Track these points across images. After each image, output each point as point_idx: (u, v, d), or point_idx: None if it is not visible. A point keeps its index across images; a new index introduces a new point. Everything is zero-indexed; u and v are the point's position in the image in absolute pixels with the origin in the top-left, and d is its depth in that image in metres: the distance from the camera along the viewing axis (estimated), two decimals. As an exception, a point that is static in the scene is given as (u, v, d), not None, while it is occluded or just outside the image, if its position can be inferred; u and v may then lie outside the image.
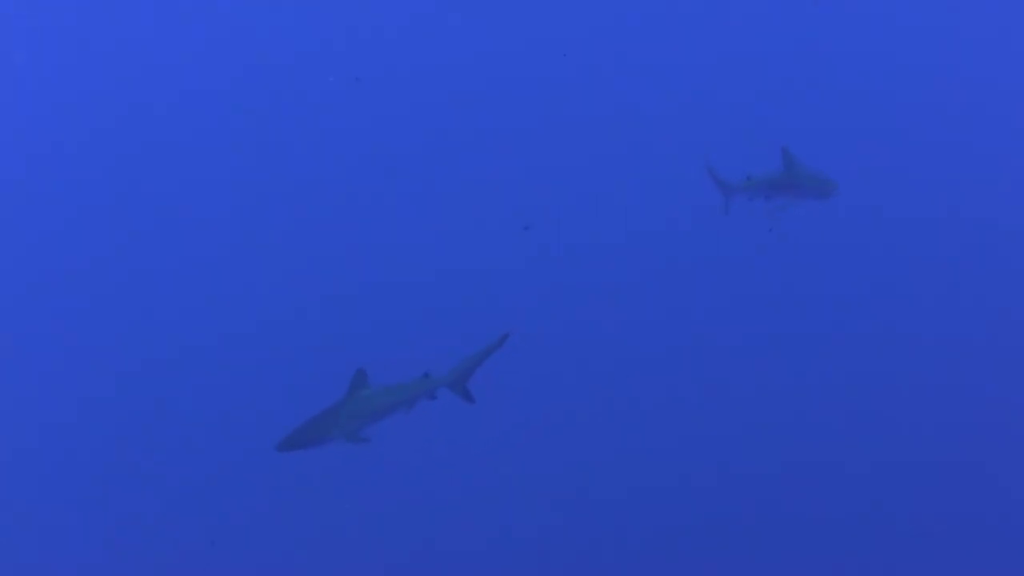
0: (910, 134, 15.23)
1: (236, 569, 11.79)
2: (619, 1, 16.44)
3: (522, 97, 16.07)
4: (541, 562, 11.57)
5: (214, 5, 16.94)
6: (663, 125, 15.35)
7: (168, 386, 13.19)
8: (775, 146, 10.15)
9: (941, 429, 12.32)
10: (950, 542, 11.41)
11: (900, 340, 13.13)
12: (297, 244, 14.71)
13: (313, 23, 17.18)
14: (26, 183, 15.51)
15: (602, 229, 14.42)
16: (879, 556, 11.53)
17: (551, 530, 11.76)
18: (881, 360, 12.98)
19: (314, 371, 12.84)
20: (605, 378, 12.77)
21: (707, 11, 16.35)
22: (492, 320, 9.31)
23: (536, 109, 15.93)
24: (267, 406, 12.77)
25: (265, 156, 15.88)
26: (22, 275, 14.50)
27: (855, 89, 15.82)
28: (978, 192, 14.65)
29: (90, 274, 14.41)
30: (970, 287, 13.66)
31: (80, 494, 12.37)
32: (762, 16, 16.22)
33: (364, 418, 9.00)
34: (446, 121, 15.78)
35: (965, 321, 13.33)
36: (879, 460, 12.12)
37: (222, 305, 14.01)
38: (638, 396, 12.69)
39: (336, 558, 11.86)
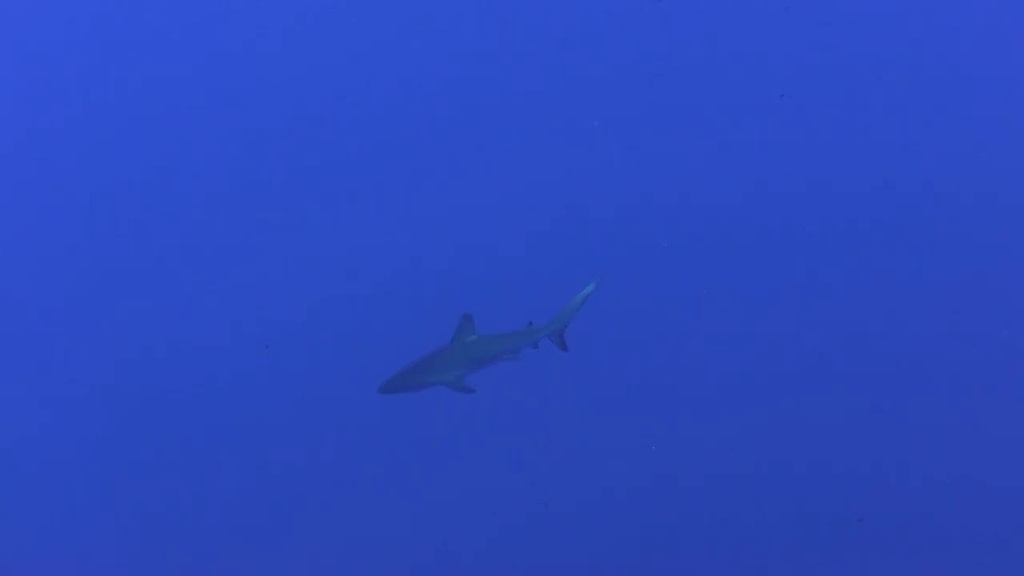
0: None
1: (236, 568, 11.84)
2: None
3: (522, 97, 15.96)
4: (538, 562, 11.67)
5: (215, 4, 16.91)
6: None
7: (166, 385, 13.21)
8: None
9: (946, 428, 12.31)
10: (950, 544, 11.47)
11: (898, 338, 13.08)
12: (300, 240, 14.65)
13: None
14: (24, 179, 15.51)
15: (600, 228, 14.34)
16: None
17: (550, 530, 11.85)
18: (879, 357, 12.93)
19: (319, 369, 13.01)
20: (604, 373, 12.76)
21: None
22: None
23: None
24: (267, 405, 12.90)
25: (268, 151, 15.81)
26: (23, 272, 14.53)
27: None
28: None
29: (89, 271, 14.41)
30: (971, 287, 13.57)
31: (78, 493, 12.44)
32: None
33: (468, 365, 8.84)
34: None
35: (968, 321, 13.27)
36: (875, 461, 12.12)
37: (223, 302, 13.99)
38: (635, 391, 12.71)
39: (336, 557, 11.89)
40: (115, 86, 15.94)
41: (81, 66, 16.19)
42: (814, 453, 12.12)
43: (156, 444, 12.66)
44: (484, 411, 11.88)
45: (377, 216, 14.46)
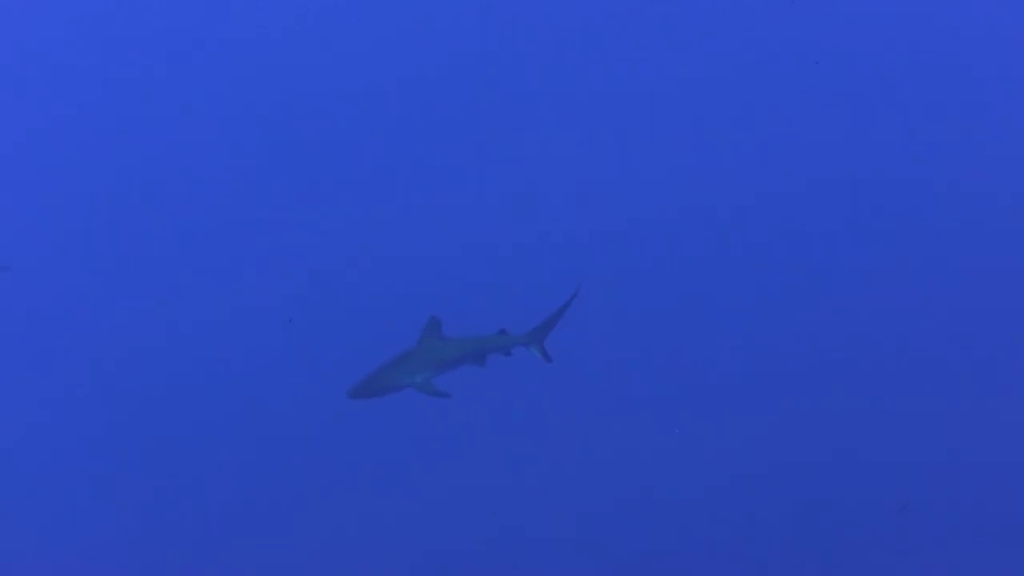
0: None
1: (236, 568, 11.84)
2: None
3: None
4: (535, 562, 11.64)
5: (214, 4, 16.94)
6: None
7: (163, 386, 13.21)
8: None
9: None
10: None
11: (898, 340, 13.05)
12: (295, 241, 14.66)
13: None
14: (24, 178, 15.53)
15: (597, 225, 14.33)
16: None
17: (546, 530, 11.83)
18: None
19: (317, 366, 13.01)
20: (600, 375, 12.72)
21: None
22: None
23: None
24: (266, 406, 12.90)
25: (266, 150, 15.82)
26: (22, 272, 14.54)
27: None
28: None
29: (87, 270, 14.44)
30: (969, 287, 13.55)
31: (78, 493, 12.44)
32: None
33: (436, 367, 8.71)
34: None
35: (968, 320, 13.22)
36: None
37: (219, 302, 14.00)
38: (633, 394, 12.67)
39: (336, 555, 11.89)
40: (118, 85, 16.01)
41: (81, 65, 16.25)
42: (850, 443, 12.04)
43: (152, 444, 12.66)
44: (483, 411, 11.89)
45: (371, 217, 14.48)
